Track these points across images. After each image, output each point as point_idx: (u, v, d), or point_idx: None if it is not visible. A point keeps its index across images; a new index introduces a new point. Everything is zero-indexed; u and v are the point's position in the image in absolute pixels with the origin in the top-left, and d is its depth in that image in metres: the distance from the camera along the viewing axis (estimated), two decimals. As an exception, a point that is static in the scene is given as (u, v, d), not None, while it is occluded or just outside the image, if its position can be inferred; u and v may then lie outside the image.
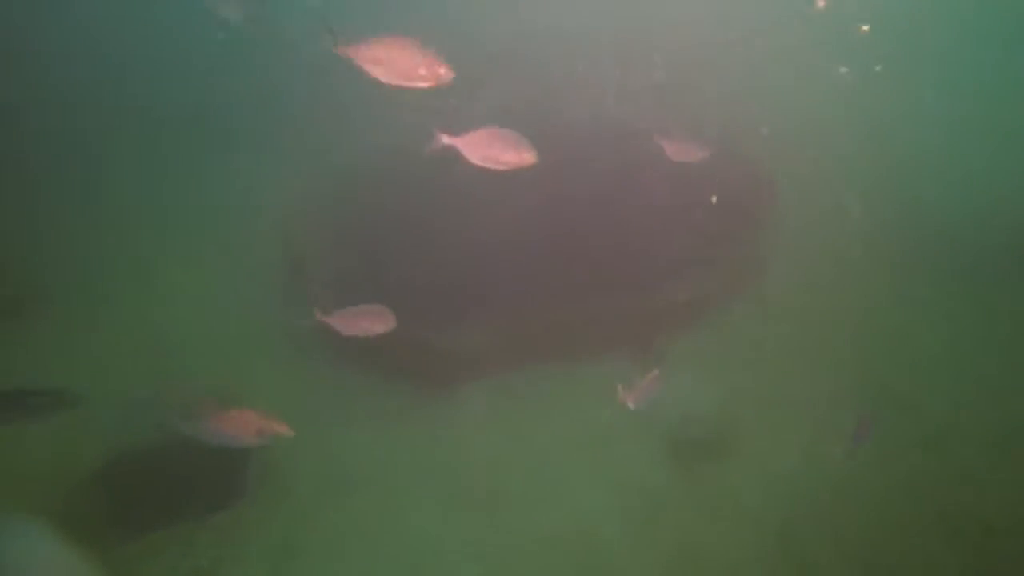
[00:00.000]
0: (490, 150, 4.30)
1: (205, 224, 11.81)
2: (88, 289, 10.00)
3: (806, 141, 12.96)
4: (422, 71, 3.92)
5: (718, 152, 12.39)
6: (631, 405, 5.98)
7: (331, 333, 8.86)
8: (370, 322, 5.96)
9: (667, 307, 8.45)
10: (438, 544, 6.49)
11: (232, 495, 6.92)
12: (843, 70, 14.77)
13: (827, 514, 6.40)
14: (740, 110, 12.91)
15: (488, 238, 10.83)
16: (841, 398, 7.46)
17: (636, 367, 8.29)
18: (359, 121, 13.88)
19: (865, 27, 13.92)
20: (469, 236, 11.00)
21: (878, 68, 14.58)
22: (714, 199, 9.93)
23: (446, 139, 4.31)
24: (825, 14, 14.89)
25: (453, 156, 4.36)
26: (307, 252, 9.97)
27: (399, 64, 3.93)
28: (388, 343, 8.46)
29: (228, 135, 13.54)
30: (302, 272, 9.66)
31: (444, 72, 3.93)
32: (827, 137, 13.22)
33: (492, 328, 8.40)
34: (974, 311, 8.72)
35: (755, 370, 8.06)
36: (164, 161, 13.09)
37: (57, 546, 4.61)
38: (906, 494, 6.62)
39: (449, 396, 8.25)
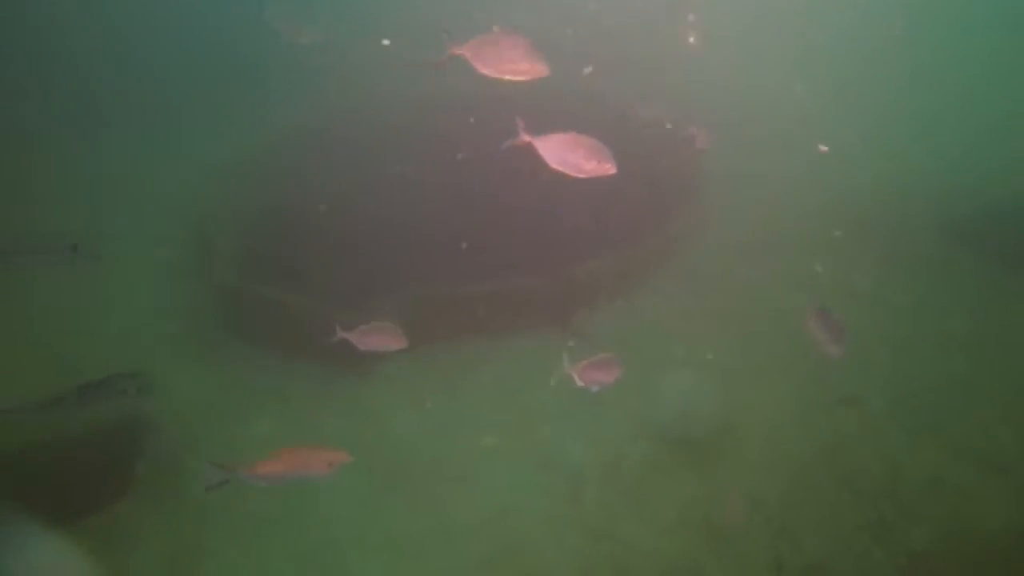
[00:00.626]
0: (570, 155, 4.30)
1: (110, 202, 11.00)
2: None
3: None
4: (525, 66, 4.13)
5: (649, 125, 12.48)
6: (578, 382, 5.45)
7: (241, 314, 8.50)
8: (384, 340, 6.15)
9: (589, 281, 8.16)
10: (348, 532, 6.07)
11: (120, 491, 6.33)
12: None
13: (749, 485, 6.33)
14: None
15: (408, 210, 10.38)
16: (771, 368, 7.36)
17: (558, 341, 8.15)
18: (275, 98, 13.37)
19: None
20: (388, 209, 10.51)
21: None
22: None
23: (527, 137, 4.28)
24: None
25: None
26: (217, 231, 9.26)
27: (506, 59, 4.15)
28: (301, 320, 8.07)
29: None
30: (213, 250, 8.98)
31: (542, 67, 4.13)
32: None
33: (410, 302, 7.94)
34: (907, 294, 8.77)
35: (683, 342, 7.89)
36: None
37: (57, 546, 4.57)
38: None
39: (365, 374, 7.81)
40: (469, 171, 11.59)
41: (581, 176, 4.34)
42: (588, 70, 11.80)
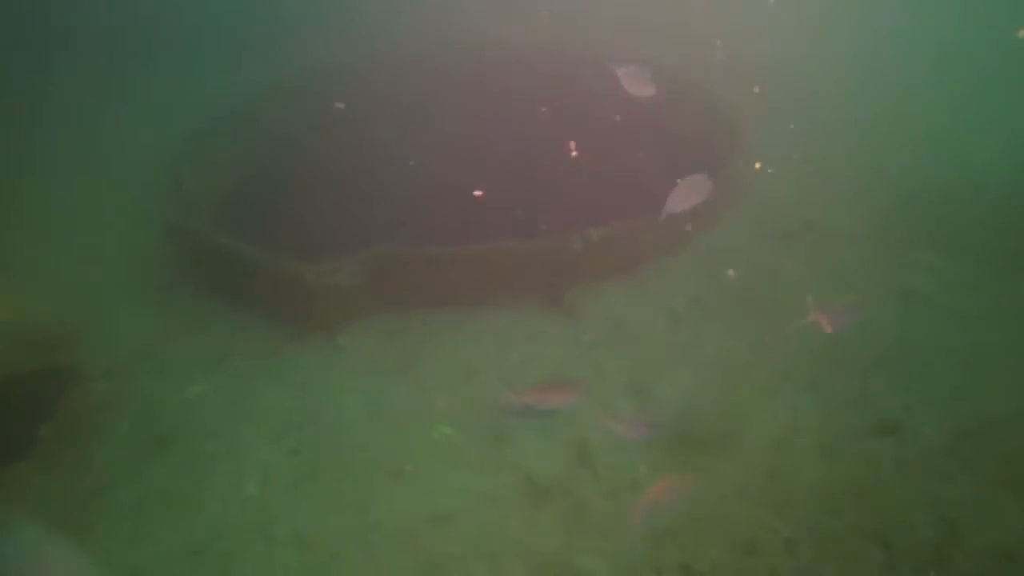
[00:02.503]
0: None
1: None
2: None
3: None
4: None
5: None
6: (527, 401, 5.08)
7: (199, 264, 7.66)
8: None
9: (589, 251, 6.85)
10: (254, 521, 5.06)
11: (14, 454, 5.52)
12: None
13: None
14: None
15: (381, 166, 9.32)
16: (793, 376, 5.97)
17: (543, 318, 6.93)
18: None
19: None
20: (358, 165, 9.48)
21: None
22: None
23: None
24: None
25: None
26: (179, 183, 8.34)
27: None
28: (259, 274, 7.09)
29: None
30: (177, 194, 8.08)
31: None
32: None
33: (377, 261, 6.84)
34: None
35: (690, 332, 6.54)
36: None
37: (56, 546, 4.39)
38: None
39: (318, 340, 6.79)
40: (457, 120, 10.50)
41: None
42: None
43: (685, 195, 5.11)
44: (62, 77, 12.75)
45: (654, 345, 6.38)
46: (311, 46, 12.23)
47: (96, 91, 12.23)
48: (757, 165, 8.87)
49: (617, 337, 6.51)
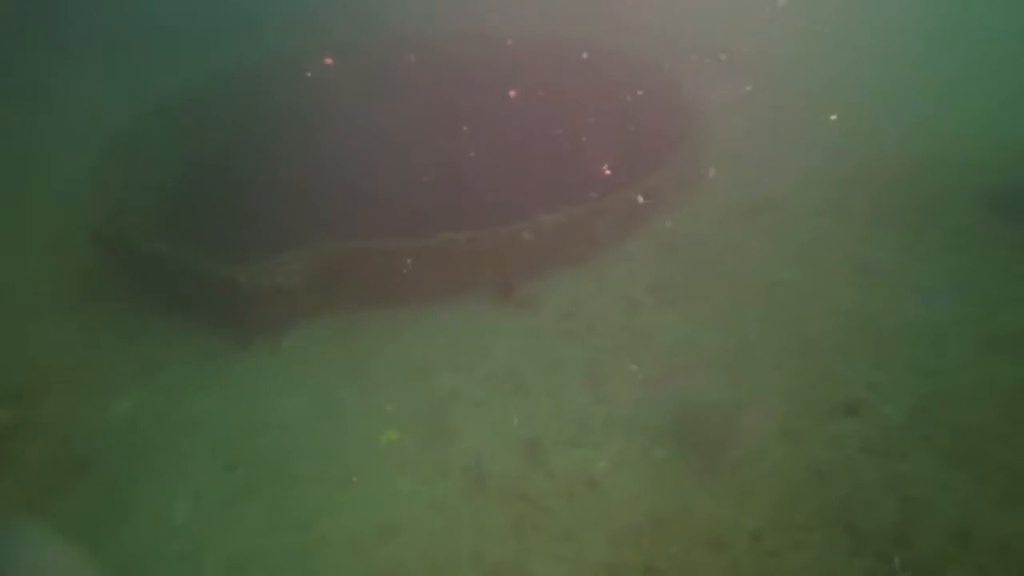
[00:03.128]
0: None
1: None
2: None
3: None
4: None
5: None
6: None
7: (132, 272, 7.17)
8: None
9: (542, 238, 6.56)
10: (184, 545, 4.67)
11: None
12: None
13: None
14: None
15: (324, 158, 8.92)
16: (755, 360, 5.76)
17: (495, 312, 6.62)
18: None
19: None
20: (302, 158, 9.06)
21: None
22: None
23: None
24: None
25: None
26: (105, 183, 7.80)
27: None
28: (197, 282, 6.65)
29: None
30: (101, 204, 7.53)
31: None
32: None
33: (319, 259, 6.46)
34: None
35: (649, 320, 6.30)
36: None
37: (56, 546, 4.25)
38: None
39: (258, 345, 6.39)
40: (407, 110, 10.14)
41: None
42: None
43: None
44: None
45: (612, 335, 6.12)
46: (262, 36, 11.73)
47: (10, 90, 11.54)
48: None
49: (573, 328, 6.23)
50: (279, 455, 5.28)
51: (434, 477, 5.04)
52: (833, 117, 9.92)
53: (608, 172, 8.05)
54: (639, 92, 9.97)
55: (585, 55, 11.20)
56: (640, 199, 7.12)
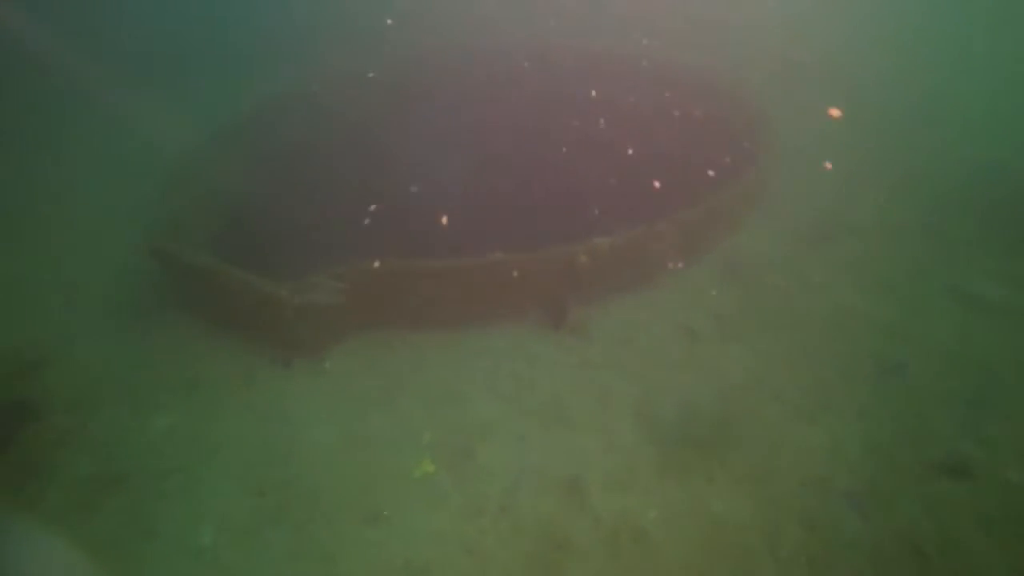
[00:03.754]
0: None
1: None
2: None
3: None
4: None
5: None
6: None
7: (180, 287, 7.23)
8: None
9: (596, 262, 6.14)
10: (203, 572, 4.48)
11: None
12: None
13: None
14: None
15: (376, 174, 8.80)
16: (819, 388, 5.13)
17: (544, 337, 6.22)
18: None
19: None
20: (354, 175, 8.98)
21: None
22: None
23: None
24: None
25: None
26: (165, 202, 7.94)
27: None
28: (245, 299, 6.60)
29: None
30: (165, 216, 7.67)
31: None
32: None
33: (359, 278, 6.27)
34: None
35: (706, 355, 5.75)
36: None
37: (57, 546, 4.29)
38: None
39: (297, 366, 6.23)
40: (459, 124, 9.94)
41: None
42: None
43: None
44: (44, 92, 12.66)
45: (668, 368, 5.61)
46: (312, 56, 11.93)
47: (71, 108, 12.12)
48: (828, 165, 8.11)
49: (626, 359, 5.77)
50: (310, 483, 5.04)
51: (468, 515, 4.66)
52: (918, 132, 9.08)
53: (669, 191, 7.56)
54: (704, 106, 9.46)
55: (645, 66, 10.79)
56: (702, 221, 6.60)
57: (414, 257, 6.29)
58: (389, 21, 12.71)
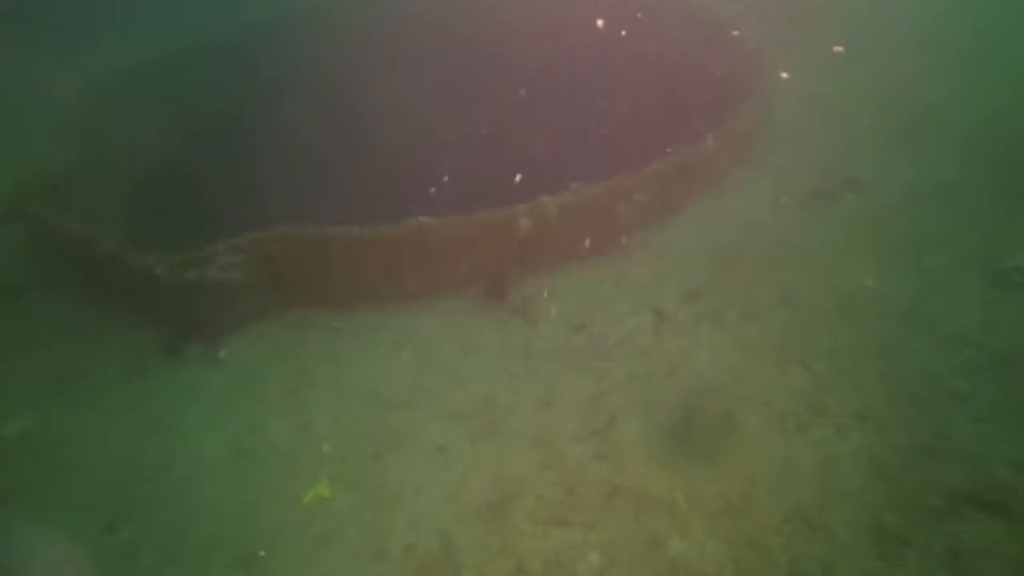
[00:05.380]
0: None
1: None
2: None
3: None
4: None
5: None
6: None
7: (63, 265, 6.06)
8: None
9: (541, 230, 5.02)
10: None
11: None
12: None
13: None
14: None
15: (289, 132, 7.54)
16: (812, 388, 4.11)
17: (484, 317, 5.16)
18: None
19: None
20: (262, 133, 7.70)
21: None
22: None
23: None
24: None
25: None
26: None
27: None
28: (135, 276, 5.50)
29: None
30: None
31: None
32: None
33: (266, 252, 5.16)
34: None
35: (665, 332, 4.70)
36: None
37: (56, 546, 3.87)
38: None
39: (195, 353, 5.19)
40: (396, 69, 8.62)
41: None
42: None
43: None
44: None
45: (628, 361, 4.56)
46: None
47: None
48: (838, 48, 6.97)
49: (578, 349, 4.71)
50: (176, 512, 4.04)
51: (364, 558, 3.68)
52: (935, 75, 7.82)
53: (640, 140, 6.39)
54: (692, 48, 8.16)
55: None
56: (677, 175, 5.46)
57: (323, 223, 5.16)
58: None
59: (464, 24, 9.32)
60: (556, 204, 4.96)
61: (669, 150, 5.70)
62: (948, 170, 6.11)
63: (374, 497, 3.99)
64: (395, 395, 4.64)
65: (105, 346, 5.38)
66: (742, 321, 4.71)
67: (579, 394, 4.36)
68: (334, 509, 3.97)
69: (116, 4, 11.17)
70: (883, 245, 5.32)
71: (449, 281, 5.25)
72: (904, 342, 4.41)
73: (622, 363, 4.49)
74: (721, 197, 6.10)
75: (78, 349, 5.37)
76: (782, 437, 3.90)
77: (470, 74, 8.07)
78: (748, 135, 6.45)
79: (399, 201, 5.52)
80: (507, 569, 3.46)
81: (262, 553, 3.77)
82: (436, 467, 4.11)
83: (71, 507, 4.14)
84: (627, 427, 4.09)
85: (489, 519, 3.73)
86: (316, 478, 4.16)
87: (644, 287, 5.12)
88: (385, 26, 9.62)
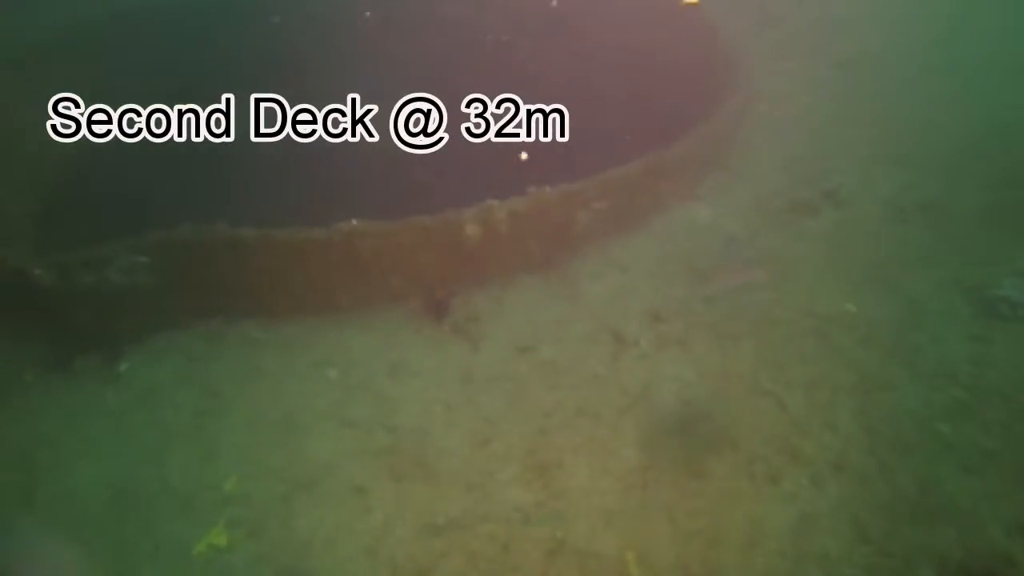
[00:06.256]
0: None
1: None
2: None
3: None
4: None
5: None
6: None
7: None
8: None
9: (487, 238, 4.47)
10: None
11: None
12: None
13: None
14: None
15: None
16: (789, 427, 3.63)
17: (417, 339, 4.57)
18: None
19: None
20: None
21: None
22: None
23: None
24: None
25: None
26: None
27: None
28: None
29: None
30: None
31: None
32: None
33: (183, 255, 4.50)
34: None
35: (623, 360, 4.19)
36: None
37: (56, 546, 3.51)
38: None
39: (86, 368, 4.52)
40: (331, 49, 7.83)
41: None
42: None
43: None
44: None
45: (580, 391, 4.03)
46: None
47: None
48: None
49: (523, 376, 4.17)
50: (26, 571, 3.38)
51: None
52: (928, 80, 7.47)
53: (604, 142, 5.87)
54: (658, 36, 7.66)
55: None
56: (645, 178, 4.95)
57: (240, 224, 4.52)
58: None
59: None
60: (506, 209, 4.40)
61: (637, 152, 5.19)
62: (931, 186, 5.73)
63: (278, 548, 3.40)
64: (315, 423, 4.04)
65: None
66: (711, 348, 4.22)
67: (523, 430, 3.82)
68: (229, 563, 3.36)
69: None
70: (863, 264, 4.89)
71: (385, 293, 4.65)
72: (885, 376, 3.97)
73: (573, 395, 3.96)
74: (692, 206, 5.62)
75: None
76: (751, 488, 3.42)
77: (405, 65, 7.38)
78: (722, 138, 5.99)
79: (332, 202, 4.90)
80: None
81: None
82: (353, 512, 3.53)
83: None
84: (575, 472, 3.55)
85: (410, 580, 3.17)
86: (212, 523, 3.55)
87: (603, 306, 4.60)
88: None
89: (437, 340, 4.45)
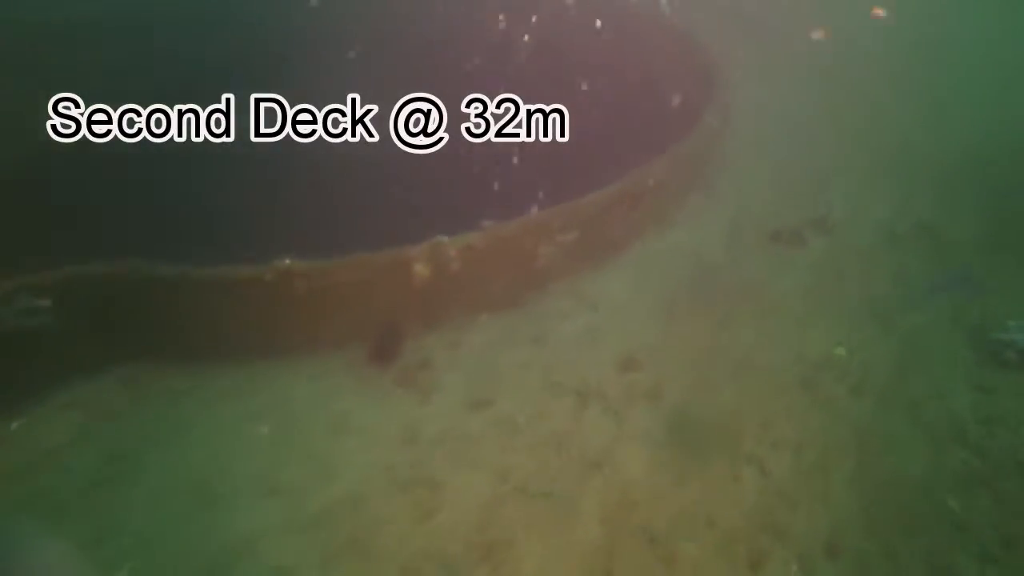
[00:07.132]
0: None
1: None
2: None
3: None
4: None
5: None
6: None
7: None
8: None
9: (439, 274, 3.99)
10: None
11: None
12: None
13: None
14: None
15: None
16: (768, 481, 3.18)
17: (362, 389, 4.07)
18: None
19: None
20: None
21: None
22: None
23: None
24: None
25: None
26: None
27: None
28: None
29: None
30: None
31: None
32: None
33: (86, 293, 3.99)
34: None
35: (588, 414, 3.72)
36: None
37: (56, 546, 2.86)
38: None
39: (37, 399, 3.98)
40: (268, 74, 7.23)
41: None
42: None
43: None
44: None
45: (536, 455, 3.55)
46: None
47: None
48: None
49: (476, 434, 3.68)
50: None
51: None
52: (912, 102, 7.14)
53: (578, 165, 5.42)
54: (643, 52, 7.26)
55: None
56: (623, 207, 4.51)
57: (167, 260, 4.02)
58: None
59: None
60: (458, 245, 3.93)
61: (610, 175, 4.75)
62: (925, 209, 5.34)
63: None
64: (237, 491, 3.53)
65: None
66: (685, 401, 3.76)
67: (472, 500, 3.33)
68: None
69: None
70: (854, 301, 4.47)
71: (326, 338, 4.16)
72: (883, 434, 3.53)
73: (530, 458, 3.48)
74: (668, 234, 5.19)
75: None
76: (725, 567, 2.95)
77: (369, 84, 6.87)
78: (702, 158, 5.57)
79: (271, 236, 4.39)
80: None
81: None
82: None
83: None
84: (527, 552, 3.07)
85: None
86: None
87: (569, 350, 4.13)
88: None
89: (382, 391, 3.95)
